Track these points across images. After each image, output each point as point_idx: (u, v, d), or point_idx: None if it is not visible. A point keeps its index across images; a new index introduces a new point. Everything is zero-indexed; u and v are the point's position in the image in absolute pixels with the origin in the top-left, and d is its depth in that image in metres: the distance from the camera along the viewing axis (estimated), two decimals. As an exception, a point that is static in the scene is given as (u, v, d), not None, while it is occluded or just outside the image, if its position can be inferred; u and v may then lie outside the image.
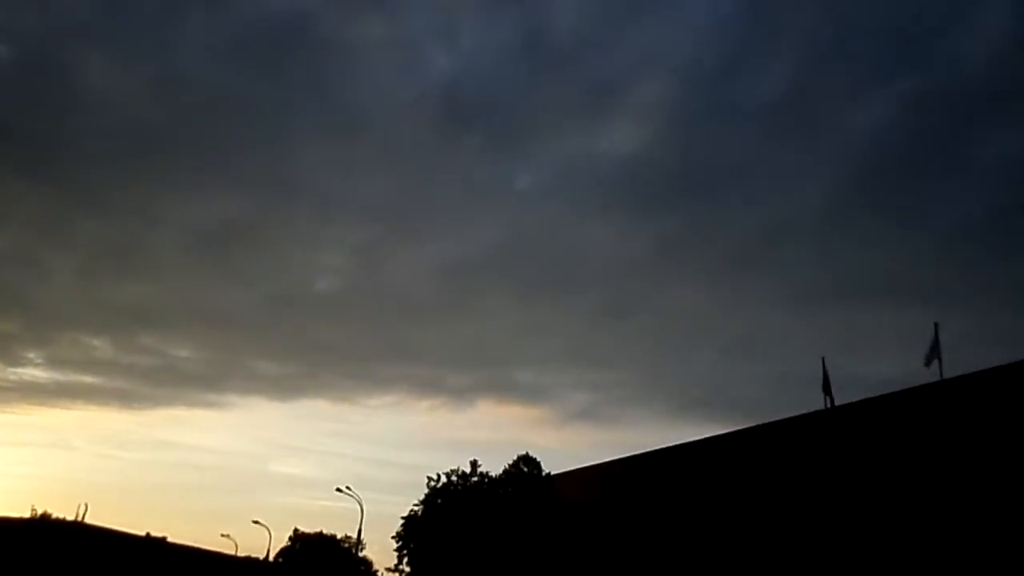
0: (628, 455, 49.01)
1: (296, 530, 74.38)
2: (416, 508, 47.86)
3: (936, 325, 31.09)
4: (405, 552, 47.55)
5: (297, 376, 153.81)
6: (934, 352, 30.59)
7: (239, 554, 78.73)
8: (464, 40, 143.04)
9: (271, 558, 74.03)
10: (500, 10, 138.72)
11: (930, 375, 30.46)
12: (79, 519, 74.20)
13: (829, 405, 35.20)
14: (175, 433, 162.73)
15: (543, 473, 47.66)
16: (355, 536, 67.81)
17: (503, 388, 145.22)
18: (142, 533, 77.16)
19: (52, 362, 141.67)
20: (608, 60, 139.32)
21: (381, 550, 77.79)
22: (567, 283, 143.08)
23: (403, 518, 48.08)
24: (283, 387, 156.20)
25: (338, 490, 57.79)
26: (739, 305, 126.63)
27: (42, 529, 70.39)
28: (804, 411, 36.18)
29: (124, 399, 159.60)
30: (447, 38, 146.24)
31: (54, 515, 75.02)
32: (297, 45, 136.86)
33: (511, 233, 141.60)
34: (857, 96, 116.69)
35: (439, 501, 47.12)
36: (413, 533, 47.29)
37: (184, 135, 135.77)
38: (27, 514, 74.82)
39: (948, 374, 29.90)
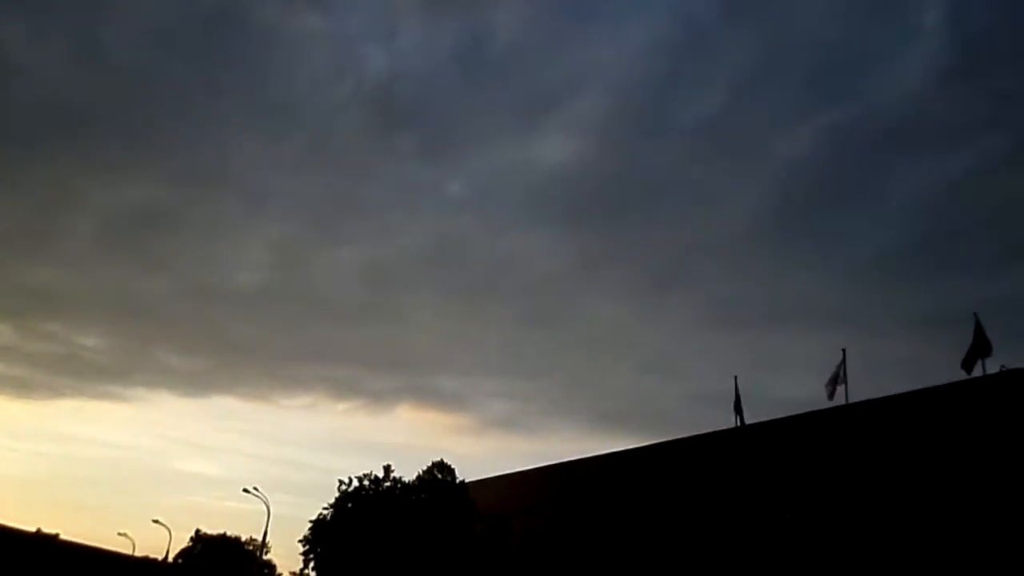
0: (542, 465, 49.40)
1: (198, 531, 72.15)
2: (325, 512, 47.05)
3: (844, 351, 32.30)
4: (311, 556, 46.66)
5: (209, 372, 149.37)
6: (838, 378, 31.74)
7: (136, 554, 75.90)
8: (402, 41, 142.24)
9: (170, 559, 71.62)
10: (441, 14, 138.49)
11: (836, 399, 31.64)
12: (-37, 513, 70.34)
13: (739, 423, 36.18)
14: (76, 425, 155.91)
15: (457, 480, 47.47)
16: (260, 538, 66.21)
17: (423, 394, 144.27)
18: (32, 529, 73.57)
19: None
20: (545, 73, 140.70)
21: (287, 554, 76.33)
22: (491, 291, 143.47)
23: (311, 521, 47.21)
24: (194, 383, 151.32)
25: (245, 491, 56.33)
26: (659, 321, 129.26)
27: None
28: (716, 428, 37.19)
29: (23, 387, 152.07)
30: (385, 38, 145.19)
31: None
32: (232, 33, 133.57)
33: (438, 238, 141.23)
34: (780, 124, 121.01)
35: (349, 505, 46.41)
36: (321, 537, 46.44)
37: (105, 114, 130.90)
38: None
39: (853, 398, 31.15)
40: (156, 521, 71.34)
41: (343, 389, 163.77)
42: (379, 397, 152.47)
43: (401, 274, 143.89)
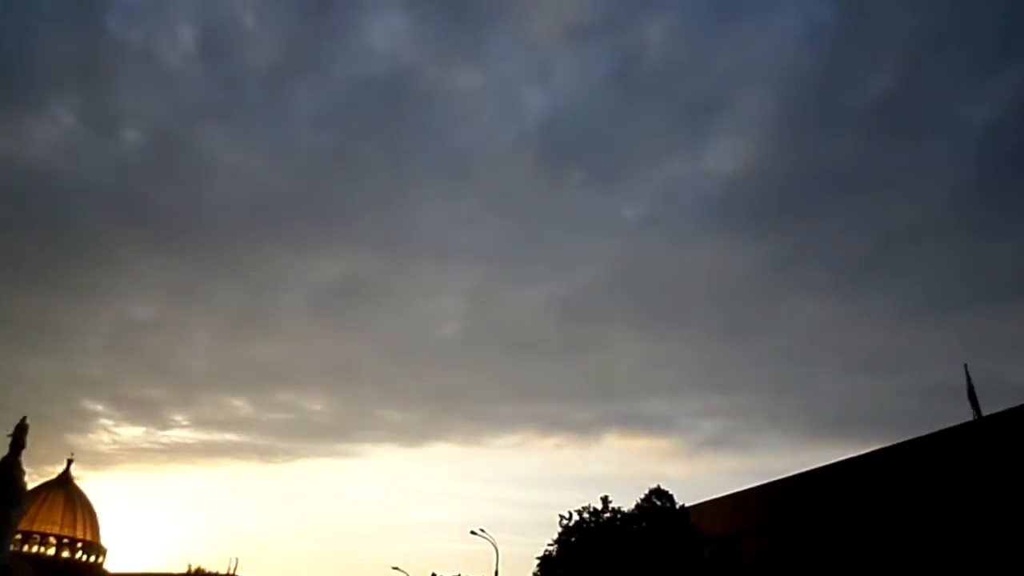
0: (764, 482, 47.40)
1: (433, 574, 75.20)
2: (550, 548, 47.62)
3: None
4: (543, 593, 47.31)
5: (424, 422, 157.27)
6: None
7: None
8: (557, 78, 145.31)
9: (411, 604, 74.93)
10: (591, 44, 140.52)
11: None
12: (231, 572, 77.69)
13: (976, 416, 33.13)
14: (313, 484, 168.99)
15: (677, 506, 46.60)
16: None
17: (628, 421, 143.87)
18: (289, 584, 79.92)
19: (197, 423, 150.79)
20: (703, 79, 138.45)
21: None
22: (683, 309, 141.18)
23: (538, 559, 47.91)
24: (410, 433, 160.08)
25: (472, 532, 58.17)
26: (863, 316, 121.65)
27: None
28: (947, 425, 34.20)
29: (264, 454, 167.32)
30: (541, 79, 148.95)
31: (207, 569, 79.02)
32: (399, 102, 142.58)
33: (620, 264, 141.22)
34: (966, 89, 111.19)
35: (572, 539, 46.75)
36: (549, 573, 47.03)
37: (301, 198, 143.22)
38: (183, 569, 79.20)
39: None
40: (395, 568, 75.14)
41: (549, 424, 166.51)
42: (585, 429, 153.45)
43: (590, 304, 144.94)
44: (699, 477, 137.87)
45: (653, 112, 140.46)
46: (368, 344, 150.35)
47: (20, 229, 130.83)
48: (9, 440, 62.15)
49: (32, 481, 68.19)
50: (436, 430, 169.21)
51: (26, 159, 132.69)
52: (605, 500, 47.48)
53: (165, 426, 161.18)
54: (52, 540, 79.70)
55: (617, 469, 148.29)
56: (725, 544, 45.67)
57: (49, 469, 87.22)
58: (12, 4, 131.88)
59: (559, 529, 47.66)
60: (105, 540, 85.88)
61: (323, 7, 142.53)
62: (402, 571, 75.03)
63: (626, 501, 47.69)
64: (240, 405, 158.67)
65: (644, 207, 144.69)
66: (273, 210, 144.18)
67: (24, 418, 63.51)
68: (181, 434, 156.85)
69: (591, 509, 47.30)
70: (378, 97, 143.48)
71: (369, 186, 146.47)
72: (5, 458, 61.42)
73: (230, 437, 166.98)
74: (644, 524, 45.45)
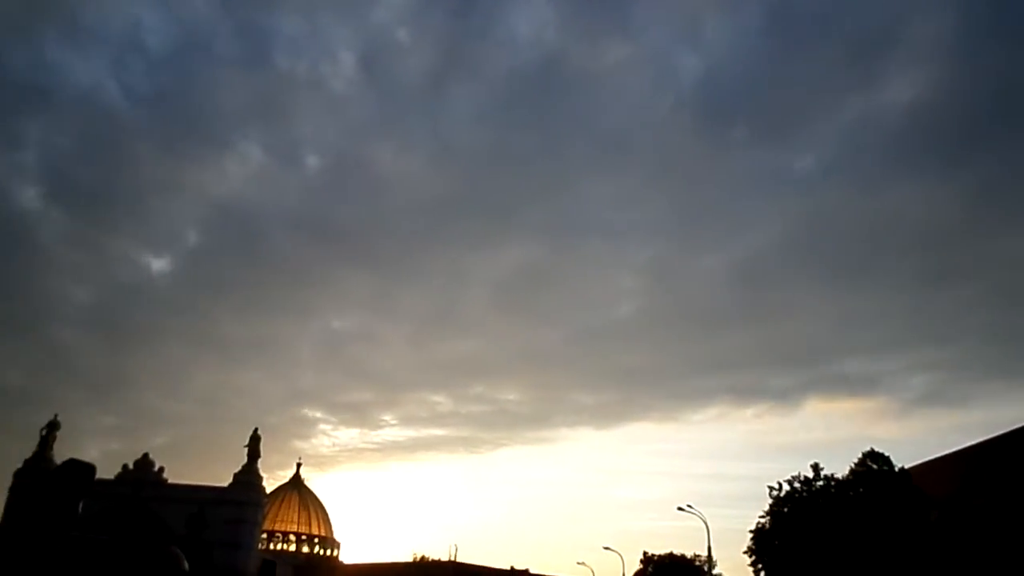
0: (997, 434, 43.53)
1: (645, 553, 75.34)
2: (763, 520, 46.43)
3: None
4: (760, 567, 46.19)
5: (616, 403, 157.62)
6: None
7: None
8: (708, 37, 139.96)
9: (627, 582, 75.49)
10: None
11: None
12: (452, 559, 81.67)
13: None
14: (517, 470, 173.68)
15: (895, 468, 43.91)
16: (704, 554, 67.08)
17: (830, 383, 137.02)
18: (507, 567, 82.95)
19: (404, 421, 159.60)
20: (868, 8, 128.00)
21: (733, 567, 75.98)
22: (875, 260, 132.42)
23: (751, 532, 46.84)
24: (605, 415, 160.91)
25: (680, 509, 57.69)
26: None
27: (424, 570, 78.54)
28: None
29: (468, 445, 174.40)
30: (691, 40, 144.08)
31: (430, 558, 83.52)
32: (550, 88, 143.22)
33: (800, 220, 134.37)
34: None
35: (785, 510, 45.29)
36: (764, 546, 45.85)
37: (468, 198, 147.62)
38: (409, 559, 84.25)
39: None
40: (607, 548, 75.99)
41: (747, 394, 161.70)
42: (784, 396, 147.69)
43: (772, 266, 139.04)
44: (914, 437, 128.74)
45: (815, 56, 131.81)
46: (552, 331, 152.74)
47: (225, 257, 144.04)
48: (246, 450, 68.72)
49: (268, 485, 74.84)
50: (631, 410, 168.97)
51: (222, 193, 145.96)
52: (816, 467, 45.64)
53: (376, 426, 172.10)
54: (292, 537, 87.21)
55: (823, 435, 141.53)
56: (954, 505, 42.46)
57: (281, 473, 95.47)
58: (190, 56, 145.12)
59: (770, 501, 46.36)
60: (337, 535, 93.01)
61: (468, 6, 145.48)
62: (613, 550, 75.85)
63: (837, 467, 45.78)
64: (440, 400, 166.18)
65: (818, 157, 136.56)
66: (444, 213, 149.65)
67: (256, 429, 70.20)
68: (391, 432, 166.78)
69: (801, 478, 45.62)
70: (530, 87, 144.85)
71: (531, 176, 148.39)
72: (244, 466, 67.89)
73: (435, 432, 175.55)
74: (861, 490, 43.24)
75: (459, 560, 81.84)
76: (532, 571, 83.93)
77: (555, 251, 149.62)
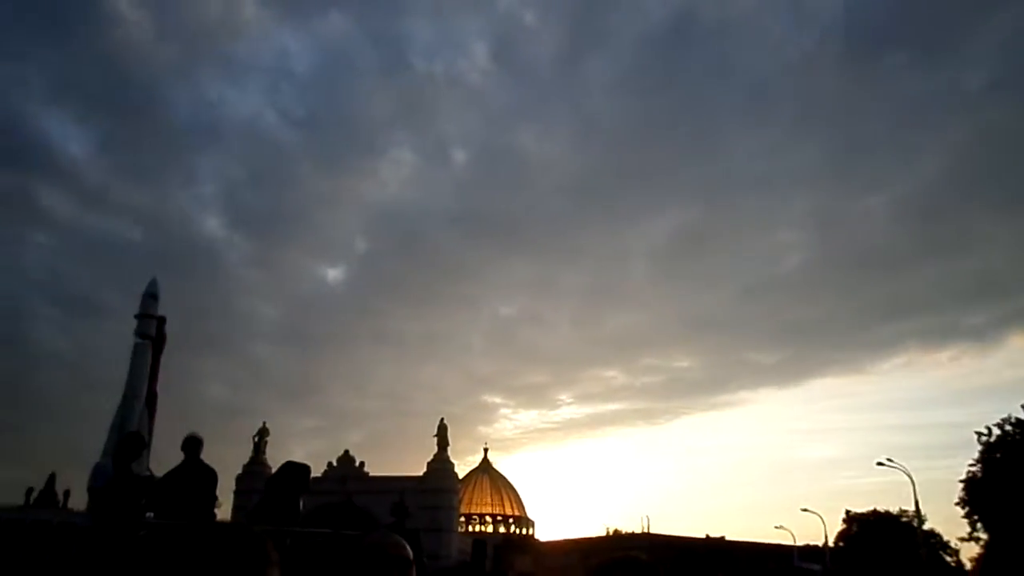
0: None
1: (847, 512, 72.40)
2: (973, 468, 43.57)
3: None
4: (976, 518, 43.37)
5: (794, 360, 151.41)
6: None
7: (797, 543, 79.02)
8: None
9: (831, 543, 72.89)
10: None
11: None
12: (645, 530, 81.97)
13: None
14: (698, 438, 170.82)
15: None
16: (911, 509, 63.53)
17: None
18: (702, 535, 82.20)
19: (580, 398, 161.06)
20: None
21: (944, 520, 71.77)
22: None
23: (962, 481, 44.07)
24: (785, 374, 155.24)
25: (879, 464, 54.93)
26: None
27: (618, 543, 79.36)
28: None
29: (646, 417, 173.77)
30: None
31: (623, 531, 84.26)
32: (685, 45, 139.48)
33: (972, 143, 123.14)
34: None
35: (998, 456, 42.21)
36: (978, 496, 42.97)
37: (615, 169, 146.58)
38: (602, 533, 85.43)
39: None
40: (805, 510, 73.61)
41: (936, 337, 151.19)
42: (980, 334, 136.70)
43: (944, 197, 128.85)
44: None
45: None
46: (717, 292, 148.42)
47: (393, 259, 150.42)
48: (435, 439, 72.10)
49: (460, 471, 78.05)
50: (810, 366, 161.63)
51: (381, 199, 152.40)
52: (1028, 408, 42.16)
53: (554, 406, 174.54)
54: (488, 519, 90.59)
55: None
56: None
57: (470, 459, 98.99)
58: (334, 73, 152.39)
59: (979, 447, 43.43)
60: (530, 514, 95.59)
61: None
62: (812, 512, 73.37)
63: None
64: (613, 375, 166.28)
65: (991, 71, 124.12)
66: (594, 188, 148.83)
67: (442, 419, 73.63)
68: (569, 411, 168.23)
69: (1012, 420, 42.29)
70: (664, 48, 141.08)
71: (676, 139, 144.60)
72: (436, 455, 71.26)
73: (611, 406, 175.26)
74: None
75: (652, 531, 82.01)
76: (728, 538, 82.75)
77: (710, 211, 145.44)
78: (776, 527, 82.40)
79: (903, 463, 51.69)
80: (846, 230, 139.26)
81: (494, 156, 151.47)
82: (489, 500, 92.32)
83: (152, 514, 9.41)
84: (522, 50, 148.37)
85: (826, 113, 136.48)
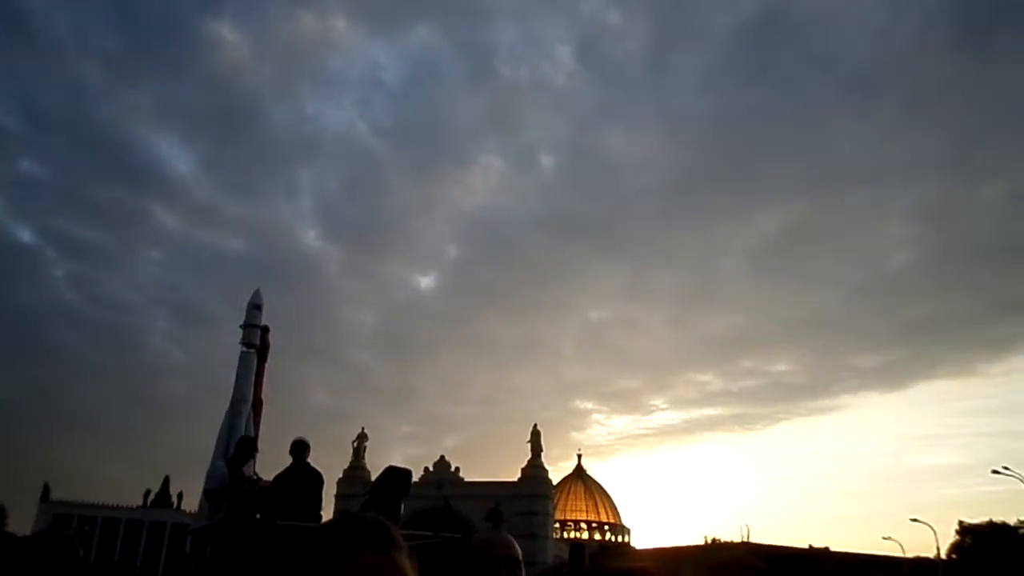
0: None
1: (961, 522, 68.86)
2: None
3: None
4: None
5: (902, 362, 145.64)
6: None
7: (907, 555, 75.56)
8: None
9: (943, 556, 69.36)
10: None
11: None
12: (744, 539, 79.99)
13: None
14: (798, 445, 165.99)
15: None
16: (1033, 520, 59.94)
17: None
18: (804, 546, 79.57)
19: (675, 404, 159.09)
20: None
21: (1070, 531, 67.19)
22: None
23: (1088, 492, 41.31)
24: (891, 376, 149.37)
25: (995, 472, 51.98)
26: None
27: (716, 553, 77.67)
28: None
29: (743, 422, 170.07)
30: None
31: (722, 539, 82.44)
32: (780, 37, 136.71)
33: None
34: None
35: None
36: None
37: (711, 166, 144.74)
38: (700, 542, 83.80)
39: None
40: (914, 520, 70.34)
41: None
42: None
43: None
44: None
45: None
46: (820, 292, 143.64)
47: (484, 266, 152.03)
48: (529, 445, 72.33)
49: (553, 477, 78.14)
50: (919, 367, 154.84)
51: (471, 206, 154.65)
52: None
53: (648, 412, 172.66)
54: (583, 525, 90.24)
55: None
56: None
57: (563, 465, 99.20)
58: (423, 83, 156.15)
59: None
60: (625, 521, 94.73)
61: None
62: (923, 522, 70.02)
63: None
64: (708, 379, 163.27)
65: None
66: (686, 187, 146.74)
67: (535, 425, 73.96)
68: (663, 417, 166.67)
69: None
70: (757, 40, 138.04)
71: (775, 133, 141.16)
72: (530, 460, 71.60)
73: (708, 412, 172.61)
74: None
75: (752, 541, 79.94)
76: (832, 549, 79.82)
77: (814, 206, 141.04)
78: (884, 538, 79.05)
79: (1021, 471, 49.03)
80: (960, 223, 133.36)
81: (582, 159, 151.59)
82: (584, 506, 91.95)
83: (261, 516, 9.79)
84: (608, 50, 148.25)
85: (937, 100, 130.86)
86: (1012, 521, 62.73)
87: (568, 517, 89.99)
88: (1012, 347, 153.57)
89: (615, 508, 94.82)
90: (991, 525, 65.51)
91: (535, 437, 72.88)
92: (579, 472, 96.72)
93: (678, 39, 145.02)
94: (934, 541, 69.83)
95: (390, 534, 1.35)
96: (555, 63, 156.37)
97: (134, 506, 78.64)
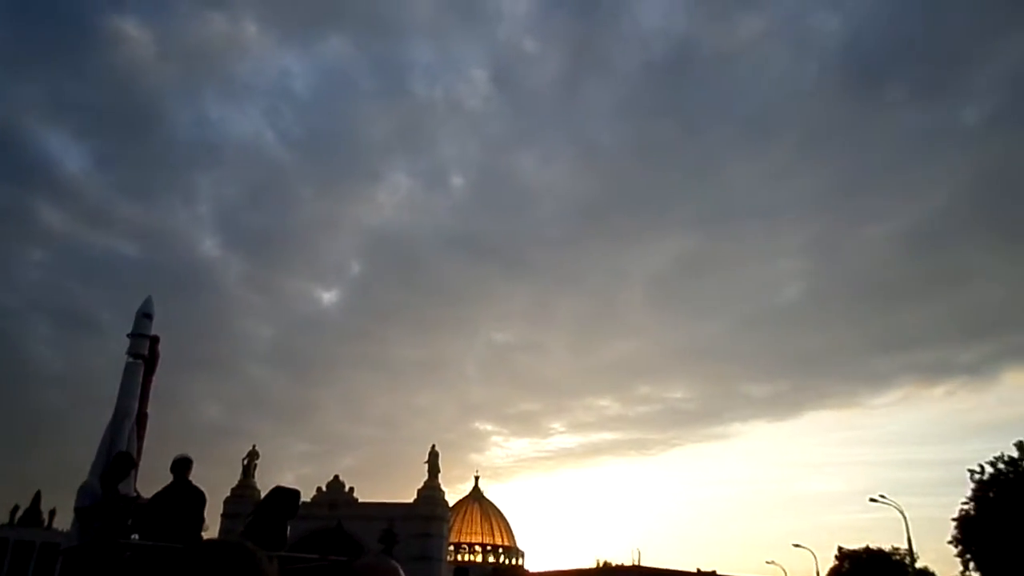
0: None
1: (840, 548, 71.74)
2: (966, 507, 43.37)
3: None
4: (968, 556, 43.09)
5: (790, 392, 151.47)
6: None
7: (790, 579, 78.19)
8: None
9: (823, 580, 72.12)
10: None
11: None
12: (635, 563, 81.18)
13: None
14: (691, 470, 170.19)
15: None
16: (904, 547, 63.02)
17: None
18: (692, 569, 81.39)
19: (573, 427, 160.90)
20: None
21: (938, 559, 71.22)
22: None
23: (955, 520, 43.84)
24: (780, 406, 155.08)
25: (872, 500, 54.60)
26: None
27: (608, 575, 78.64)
28: None
29: (639, 447, 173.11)
30: (830, 1, 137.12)
31: (614, 562, 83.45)
32: (685, 75, 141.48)
33: (972, 177, 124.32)
34: None
35: (991, 494, 42.06)
36: (971, 534, 42.73)
37: (615, 196, 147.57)
38: (592, 565, 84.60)
39: None
40: (796, 545, 72.93)
41: (933, 372, 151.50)
42: (975, 370, 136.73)
43: (944, 230, 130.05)
44: None
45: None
46: (714, 322, 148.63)
47: (388, 284, 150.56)
48: (426, 466, 71.64)
49: (450, 499, 77.55)
50: (806, 398, 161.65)
51: (377, 223, 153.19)
52: (1021, 445, 42.12)
53: (547, 435, 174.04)
54: (477, 548, 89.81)
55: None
56: None
57: (461, 487, 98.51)
58: (334, 95, 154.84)
59: (972, 485, 43.25)
60: (520, 543, 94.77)
61: (591, 5, 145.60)
62: (804, 547, 72.71)
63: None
64: (607, 404, 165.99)
65: (991, 105, 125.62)
66: (593, 214, 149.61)
67: (433, 446, 73.26)
68: (562, 440, 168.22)
69: (1006, 458, 42.27)
70: (665, 76, 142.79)
71: (676, 167, 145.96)
72: (427, 482, 70.82)
73: (605, 436, 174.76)
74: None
75: (643, 564, 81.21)
76: (719, 572, 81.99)
77: (710, 239, 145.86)
78: (767, 562, 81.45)
79: (897, 499, 51.33)
80: (845, 261, 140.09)
81: (493, 181, 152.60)
82: (479, 529, 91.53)
83: (137, 535, 9.32)
84: (523, 75, 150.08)
85: (826, 144, 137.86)
86: (887, 547, 65.85)
87: (463, 539, 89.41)
88: (892, 381, 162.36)
89: (510, 530, 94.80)
90: (867, 551, 68.49)
91: (433, 458, 72.23)
92: (476, 494, 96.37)
93: (591, 70, 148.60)
94: (814, 565, 72.27)
95: (253, 560, 1.27)
96: (470, 85, 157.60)
97: None
